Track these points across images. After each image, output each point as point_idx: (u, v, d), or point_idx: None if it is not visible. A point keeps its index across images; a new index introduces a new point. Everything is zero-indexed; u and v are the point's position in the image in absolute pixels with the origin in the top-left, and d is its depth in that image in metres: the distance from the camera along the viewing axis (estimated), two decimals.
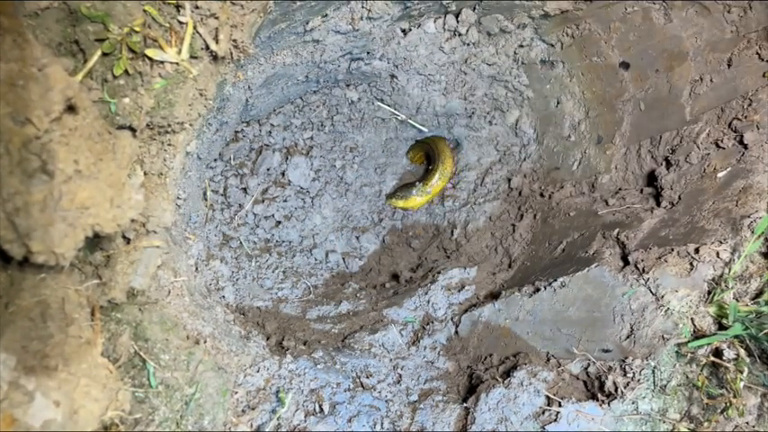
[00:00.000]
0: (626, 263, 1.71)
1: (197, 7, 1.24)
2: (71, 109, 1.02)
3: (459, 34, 2.12)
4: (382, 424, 1.64)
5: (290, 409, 1.57)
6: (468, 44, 2.17)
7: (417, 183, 2.58)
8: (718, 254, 1.54)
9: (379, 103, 2.45)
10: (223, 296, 2.00)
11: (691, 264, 1.56)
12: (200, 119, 1.37)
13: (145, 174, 1.31)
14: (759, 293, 1.47)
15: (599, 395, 1.56)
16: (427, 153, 2.67)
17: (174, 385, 1.32)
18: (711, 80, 1.84)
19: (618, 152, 2.12)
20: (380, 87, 2.36)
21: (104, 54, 1.17)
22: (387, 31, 2.03)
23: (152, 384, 1.28)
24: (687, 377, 1.50)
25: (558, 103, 2.29)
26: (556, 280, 1.81)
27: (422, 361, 1.91)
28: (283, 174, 2.48)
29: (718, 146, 1.80)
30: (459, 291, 2.14)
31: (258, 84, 1.92)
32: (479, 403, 1.62)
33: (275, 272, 2.35)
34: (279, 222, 2.46)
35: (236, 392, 1.49)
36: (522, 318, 1.86)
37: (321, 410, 1.61)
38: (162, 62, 1.22)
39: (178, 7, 1.23)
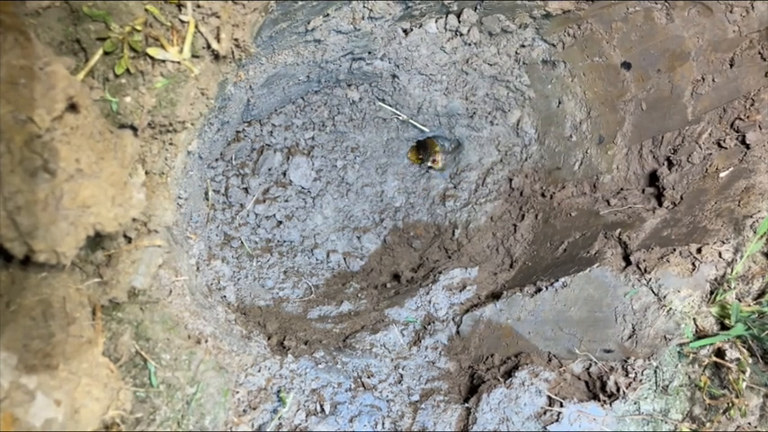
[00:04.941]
0: (628, 263, 1.71)
1: (198, 6, 1.24)
2: (73, 108, 1.02)
3: (461, 34, 2.12)
4: (383, 424, 1.64)
5: (292, 408, 1.57)
6: (470, 44, 2.16)
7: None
8: (720, 254, 1.54)
9: (380, 104, 2.45)
10: (224, 296, 2.00)
11: (693, 264, 1.56)
12: (201, 118, 1.37)
13: (146, 173, 1.31)
14: (761, 294, 1.47)
15: (601, 395, 1.56)
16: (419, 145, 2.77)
17: (176, 385, 1.32)
18: (713, 80, 1.84)
19: (619, 152, 2.12)
20: (382, 87, 2.35)
21: (106, 53, 1.17)
22: (388, 31, 2.03)
23: (153, 384, 1.28)
24: (689, 377, 1.50)
25: (559, 103, 2.29)
26: (557, 280, 1.80)
27: (423, 361, 1.90)
28: (284, 174, 2.47)
29: (720, 146, 1.80)
30: (460, 291, 2.14)
31: (259, 83, 1.92)
32: (481, 403, 1.62)
33: (276, 272, 2.35)
34: (280, 222, 2.46)
35: (238, 392, 1.49)
36: (524, 318, 1.86)
37: (322, 410, 1.60)
38: (163, 61, 1.22)
39: (180, 6, 1.23)
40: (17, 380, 0.98)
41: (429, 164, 2.71)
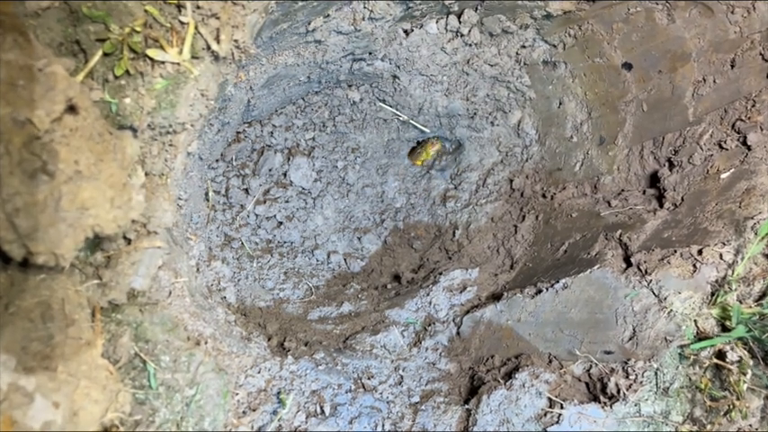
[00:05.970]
0: (628, 264, 1.70)
1: (198, 7, 1.24)
2: (72, 109, 1.02)
3: (462, 35, 2.12)
4: (383, 425, 1.64)
5: (291, 410, 1.56)
6: (471, 45, 2.16)
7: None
8: (721, 255, 1.54)
9: (380, 104, 2.45)
10: (224, 297, 1.99)
11: (694, 265, 1.56)
12: (201, 119, 1.36)
13: (146, 174, 1.31)
14: (762, 295, 1.47)
15: (601, 397, 1.55)
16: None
17: (175, 386, 1.32)
18: (714, 81, 1.83)
19: (620, 153, 2.12)
20: (382, 88, 2.35)
21: (105, 54, 1.17)
22: (389, 32, 2.03)
23: (152, 386, 1.28)
24: (690, 379, 1.49)
25: (560, 103, 2.29)
26: (558, 281, 1.80)
27: (423, 362, 1.90)
28: (285, 174, 2.47)
29: (721, 147, 1.79)
30: (460, 292, 2.13)
31: (260, 84, 1.92)
32: (481, 405, 1.61)
33: (277, 272, 2.35)
34: (280, 223, 2.46)
35: (237, 394, 1.49)
36: (524, 319, 1.85)
37: (322, 412, 1.60)
38: (163, 62, 1.22)
39: (179, 7, 1.23)
40: (16, 382, 0.98)
41: (432, 150, 2.68)
